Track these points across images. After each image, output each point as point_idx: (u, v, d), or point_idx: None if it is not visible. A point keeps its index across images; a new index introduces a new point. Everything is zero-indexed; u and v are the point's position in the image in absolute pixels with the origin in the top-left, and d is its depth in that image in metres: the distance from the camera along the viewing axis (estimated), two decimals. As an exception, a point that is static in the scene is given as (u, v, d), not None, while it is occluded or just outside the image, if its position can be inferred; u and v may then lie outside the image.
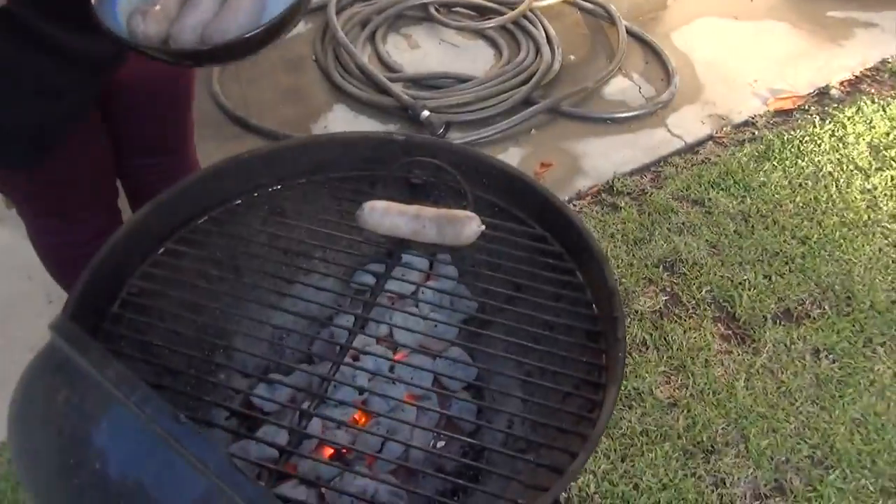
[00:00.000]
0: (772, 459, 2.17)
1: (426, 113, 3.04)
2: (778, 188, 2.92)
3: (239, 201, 1.50)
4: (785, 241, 2.74)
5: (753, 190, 2.91)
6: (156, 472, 0.90)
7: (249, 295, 1.53)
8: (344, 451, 1.34)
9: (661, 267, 2.67)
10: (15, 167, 1.53)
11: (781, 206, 2.85)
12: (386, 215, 1.37)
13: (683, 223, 2.80)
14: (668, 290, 2.61)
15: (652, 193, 2.91)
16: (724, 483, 2.13)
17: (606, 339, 1.25)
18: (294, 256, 1.46)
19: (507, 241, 1.44)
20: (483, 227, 1.35)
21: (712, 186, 2.93)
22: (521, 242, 1.44)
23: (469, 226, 1.35)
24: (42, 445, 0.97)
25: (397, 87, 3.19)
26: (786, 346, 2.44)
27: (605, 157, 3.06)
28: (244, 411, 1.26)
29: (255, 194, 1.51)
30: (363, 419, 1.41)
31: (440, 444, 1.46)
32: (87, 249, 1.83)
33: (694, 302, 2.57)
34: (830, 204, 2.85)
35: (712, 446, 2.20)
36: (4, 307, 2.53)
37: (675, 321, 2.51)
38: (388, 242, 1.46)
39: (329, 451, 1.36)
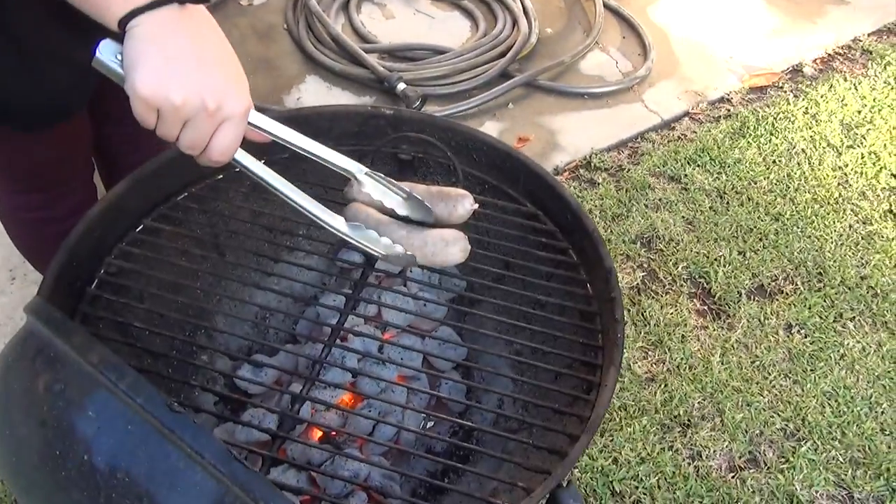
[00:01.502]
0: (746, 432, 2.21)
1: (402, 86, 2.97)
2: (752, 165, 2.93)
3: (220, 176, 1.44)
4: (759, 217, 2.76)
5: (729, 166, 2.92)
6: (148, 463, 0.86)
7: (232, 274, 1.48)
8: (334, 433, 1.31)
9: (639, 243, 2.67)
10: (32, 131, 1.45)
11: (756, 183, 2.88)
12: (374, 191, 1.33)
13: (660, 199, 2.81)
14: (646, 266, 2.62)
15: (629, 169, 2.91)
16: (701, 456, 2.16)
17: (602, 320, 1.23)
18: (278, 234, 1.41)
19: (498, 219, 1.41)
20: (476, 205, 1.32)
21: (689, 163, 2.93)
22: (512, 220, 1.41)
23: (462, 203, 1.31)
24: (24, 437, 0.92)
25: (372, 59, 3.11)
26: (759, 321, 2.48)
27: (583, 132, 3.04)
28: (231, 395, 1.22)
29: (237, 170, 1.45)
30: (353, 401, 1.38)
31: (430, 424, 1.44)
32: (63, 226, 1.75)
33: (670, 278, 2.58)
34: (803, 181, 2.89)
35: (689, 420, 2.22)
36: (-36, 285, 2.42)
37: (653, 297, 2.53)
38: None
39: (318, 433, 1.32)
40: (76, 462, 0.87)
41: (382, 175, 1.19)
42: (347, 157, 1.53)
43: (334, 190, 1.41)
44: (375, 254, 1.17)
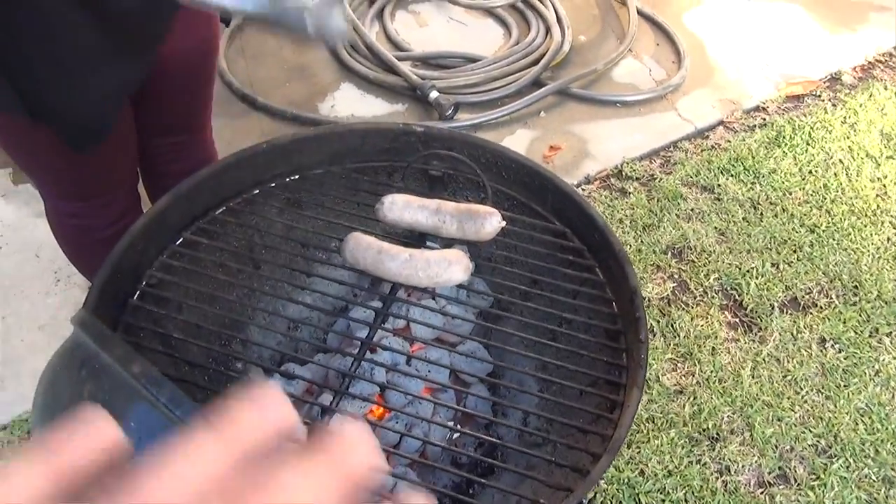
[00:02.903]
0: (776, 448, 2.20)
1: (435, 94, 3.01)
2: (788, 175, 2.90)
3: (256, 191, 1.49)
4: (794, 229, 2.74)
5: (763, 177, 2.89)
6: (186, 473, 0.91)
7: (265, 286, 1.53)
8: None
9: (670, 253, 2.67)
10: (80, 150, 1.52)
11: (791, 194, 2.85)
12: (406, 209, 1.36)
13: (692, 209, 2.80)
14: (676, 276, 2.61)
15: (661, 179, 2.90)
16: (729, 470, 2.15)
17: (627, 339, 1.25)
18: (310, 248, 1.46)
19: (525, 236, 1.44)
20: (504, 222, 1.35)
21: (722, 172, 2.92)
22: (539, 237, 1.43)
23: (490, 221, 1.34)
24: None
25: (405, 67, 3.15)
26: (792, 335, 2.46)
27: (615, 140, 3.04)
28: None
29: (273, 184, 1.50)
30: (381, 413, 1.42)
31: (455, 436, 1.48)
32: (107, 232, 1.84)
33: (702, 289, 2.57)
34: (840, 192, 2.85)
35: (718, 434, 2.22)
36: (12, 285, 2.52)
37: (683, 308, 2.52)
38: (407, 236, 1.45)
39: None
40: (119, 471, 0.92)
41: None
42: (377, 172, 1.58)
43: (367, 206, 1.46)
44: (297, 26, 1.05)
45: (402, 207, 1.37)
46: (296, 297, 1.45)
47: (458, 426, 1.47)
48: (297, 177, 1.52)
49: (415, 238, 1.45)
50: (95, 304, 1.21)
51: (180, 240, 1.40)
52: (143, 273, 1.33)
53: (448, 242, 1.49)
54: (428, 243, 1.43)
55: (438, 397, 1.46)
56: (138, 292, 1.31)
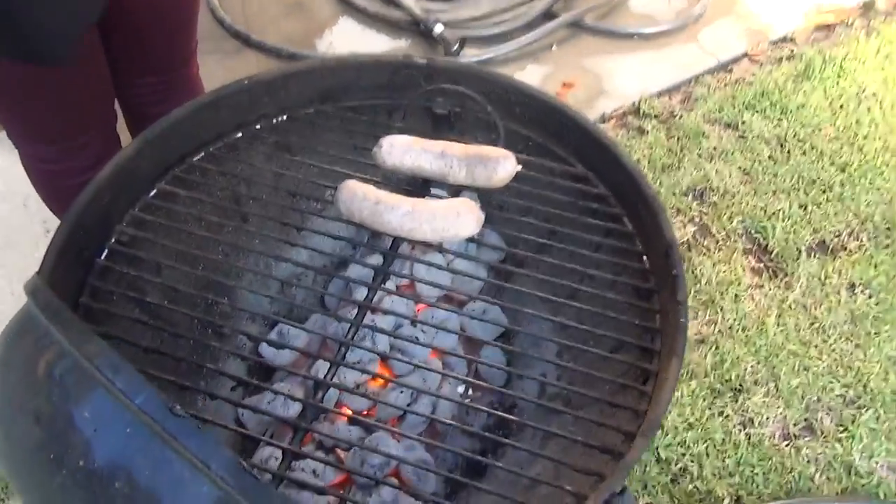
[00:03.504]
0: (802, 398, 2.05)
1: (440, 27, 2.76)
2: (817, 110, 2.67)
3: (239, 134, 1.29)
4: (823, 167, 2.52)
5: (791, 112, 2.66)
6: (150, 471, 0.75)
7: (253, 244, 1.36)
8: (364, 413, 1.19)
9: (690, 195, 2.47)
10: (46, 63, 1.34)
11: (820, 130, 2.62)
12: (408, 153, 1.17)
13: (715, 148, 2.58)
14: (697, 220, 2.42)
15: (681, 116, 2.67)
16: (753, 423, 2.01)
17: (661, 299, 1.07)
18: (302, 199, 1.27)
19: (542, 182, 1.24)
20: (519, 166, 1.15)
21: (747, 108, 2.68)
22: (558, 183, 1.24)
23: (503, 165, 1.15)
24: (19, 433, 0.82)
25: (408, -1, 2.89)
26: (820, 280, 2.27)
27: (632, 76, 2.80)
28: (251, 381, 1.10)
29: (258, 126, 1.30)
30: (384, 381, 1.26)
31: (467, 400, 1.32)
32: (85, 178, 1.67)
33: (724, 233, 2.38)
34: (873, 128, 2.61)
35: (741, 385, 2.06)
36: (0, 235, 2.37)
37: (704, 254, 2.33)
38: (409, 183, 1.26)
39: (347, 412, 1.21)
40: (72, 466, 0.77)
41: None
42: (375, 111, 1.38)
43: (365, 150, 1.26)
44: None
45: (402, 151, 1.17)
46: (287, 254, 1.28)
47: (468, 395, 1.32)
48: (284, 117, 1.32)
49: (418, 186, 1.26)
50: (53, 266, 1.03)
51: (154, 191, 1.21)
52: (112, 229, 1.15)
53: (455, 190, 1.30)
54: (433, 192, 1.24)
55: (447, 364, 1.30)
56: (106, 251, 1.14)
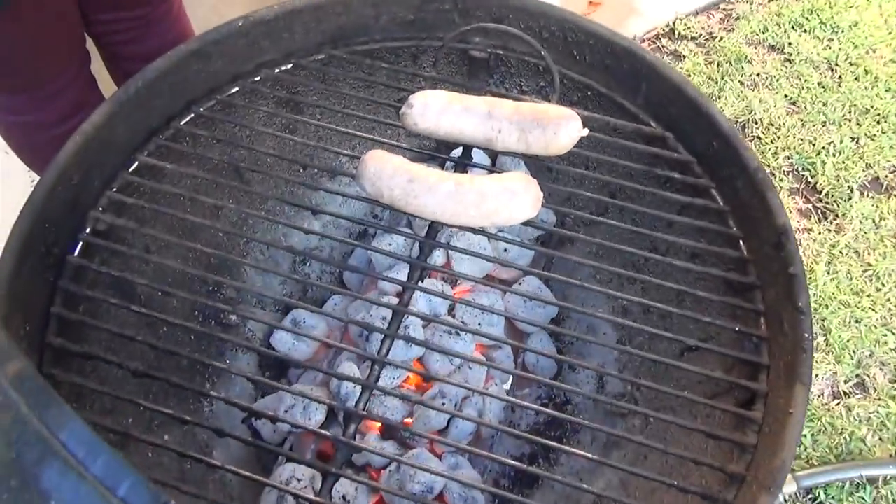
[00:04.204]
0: (854, 354, 1.86)
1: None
2: (872, 28, 2.36)
3: (235, 89, 1.03)
4: (877, 94, 2.25)
5: (843, 32, 2.35)
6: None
7: (255, 231, 1.12)
8: (403, 425, 0.99)
9: (732, 129, 2.20)
10: None
11: (875, 52, 2.32)
12: (445, 114, 0.91)
13: (758, 75, 2.29)
14: (740, 156, 2.16)
15: (721, 38, 2.37)
16: (800, 380, 1.83)
17: (766, 298, 0.84)
18: (313, 176, 1.02)
19: (605, 144, 0.99)
20: (585, 130, 0.90)
21: (794, 28, 2.37)
22: (625, 145, 0.98)
23: (566, 129, 0.89)
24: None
25: None
26: (874, 222, 2.04)
27: (666, -9, 2.47)
28: (269, 382, 0.88)
29: (257, 78, 1.04)
30: (420, 385, 1.06)
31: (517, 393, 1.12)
32: (61, 130, 1.44)
33: (769, 170, 2.13)
34: (935, 48, 2.31)
35: (787, 339, 1.88)
36: (-19, 188, 2.12)
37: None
38: (444, 147, 1.01)
39: (377, 424, 1.01)
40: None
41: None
42: (398, 56, 1.11)
43: (386, 105, 1.00)
44: None
45: (438, 112, 0.91)
46: (301, 222, 1.04)
47: (515, 390, 1.11)
48: (289, 66, 1.05)
49: (449, 149, 1.00)
50: (12, 272, 0.80)
51: (134, 165, 0.96)
52: (85, 217, 0.91)
53: (494, 153, 1.04)
54: (474, 159, 0.99)
55: (491, 357, 1.09)
56: (80, 244, 0.90)
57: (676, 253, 0.96)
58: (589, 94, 1.05)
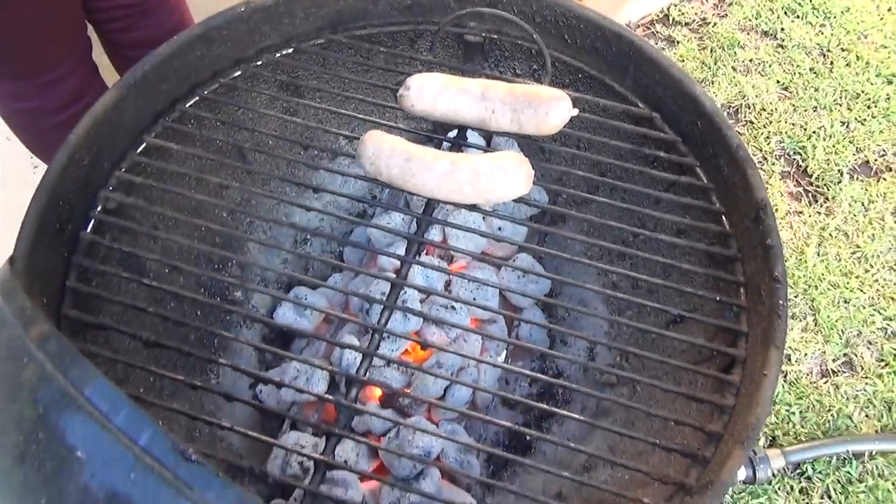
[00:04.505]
0: (842, 333, 1.92)
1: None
2: (863, 14, 2.40)
3: (238, 73, 1.07)
4: (868, 79, 2.29)
5: (835, 17, 2.40)
6: (163, 525, 0.61)
7: (261, 189, 1.17)
8: (402, 392, 1.04)
9: (725, 113, 2.23)
10: None
11: (866, 38, 2.36)
12: (441, 96, 0.96)
13: (751, 60, 2.33)
14: (732, 141, 2.21)
15: (715, 23, 2.41)
16: (790, 359, 1.89)
17: (746, 269, 0.90)
18: (314, 157, 1.06)
19: (595, 125, 1.04)
20: (575, 110, 0.95)
21: (786, 13, 2.41)
22: (614, 125, 1.03)
23: (556, 110, 0.94)
24: (6, 479, 0.67)
25: None
26: (863, 205, 2.10)
27: (660, -23, 2.50)
28: (275, 350, 0.93)
29: (259, 63, 1.08)
30: (419, 355, 1.11)
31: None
32: (63, 116, 1.48)
33: (761, 154, 2.18)
34: (925, 33, 2.36)
35: (777, 319, 1.93)
36: (-17, 175, 2.16)
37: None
38: (440, 127, 1.06)
39: (377, 392, 1.07)
40: (73, 519, 0.63)
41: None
42: (396, 40, 1.15)
43: (384, 88, 1.05)
44: None
45: (435, 94, 0.96)
46: (303, 200, 1.09)
47: (510, 361, 1.17)
48: (290, 50, 1.09)
49: (446, 132, 1.05)
50: (30, 248, 0.85)
51: (142, 146, 1.01)
52: (97, 195, 0.96)
53: (488, 134, 1.10)
54: (469, 140, 1.04)
55: (486, 328, 1.14)
56: (92, 222, 0.95)
57: (664, 229, 1.01)
58: (580, 76, 1.09)
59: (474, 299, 1.10)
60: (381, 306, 0.90)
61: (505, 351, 1.18)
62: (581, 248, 1.03)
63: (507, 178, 0.91)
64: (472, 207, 1.01)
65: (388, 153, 0.93)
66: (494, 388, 1.10)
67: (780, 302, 0.80)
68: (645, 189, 0.99)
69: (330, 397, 0.84)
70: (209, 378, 1.12)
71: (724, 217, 0.94)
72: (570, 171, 1.02)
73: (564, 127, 1.00)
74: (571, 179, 1.02)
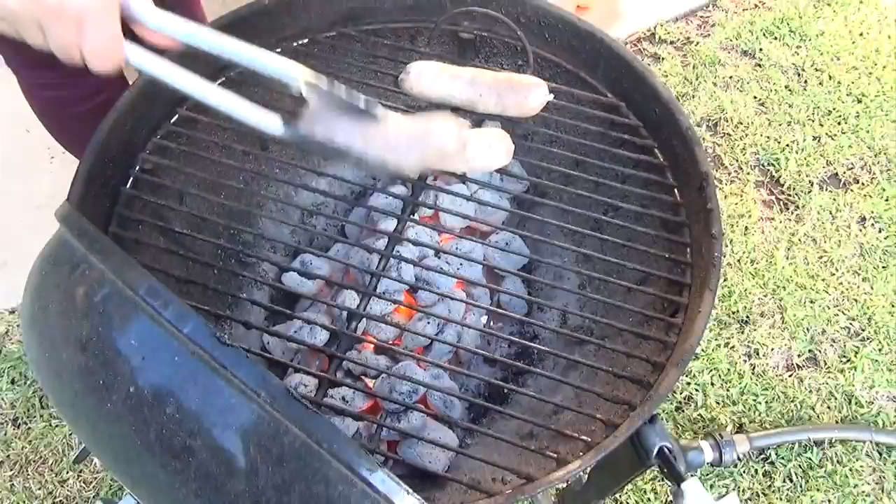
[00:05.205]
0: (807, 331, 2.09)
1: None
2: (836, 38, 2.61)
3: (258, 59, 1.26)
4: (839, 98, 2.49)
5: (810, 40, 2.61)
6: (200, 399, 0.77)
7: (275, 170, 1.34)
8: (393, 344, 1.21)
9: (704, 126, 2.45)
10: None
11: (839, 59, 2.57)
12: (437, 80, 1.15)
13: (731, 77, 2.54)
14: (710, 151, 2.40)
15: (698, 42, 2.62)
16: (758, 354, 2.06)
17: (693, 233, 1.08)
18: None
19: (571, 111, 1.23)
20: (551, 95, 1.14)
21: (765, 35, 2.62)
22: (587, 112, 1.22)
23: (535, 94, 1.13)
24: (65, 360, 0.83)
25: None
26: (831, 213, 2.29)
27: (648, -1, 2.72)
28: (282, 309, 1.11)
29: (278, 50, 1.27)
30: (409, 312, 1.28)
31: (491, 330, 1.34)
32: (85, 107, 1.63)
33: (737, 165, 2.38)
34: (893, 57, 2.57)
35: (748, 317, 2.11)
36: (3, 163, 2.33)
37: (716, 185, 2.32)
38: (434, 109, 1.24)
39: (372, 343, 1.23)
40: (122, 394, 0.79)
41: (334, 82, 0.89)
42: (398, 35, 1.34)
43: (388, 75, 1.23)
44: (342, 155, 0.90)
45: (431, 78, 1.15)
46: (309, 181, 1.27)
47: (491, 324, 1.34)
48: (305, 41, 1.28)
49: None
50: (81, 196, 1.03)
51: (175, 117, 1.19)
52: (136, 157, 1.14)
53: (478, 119, 1.28)
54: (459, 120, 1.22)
55: (470, 294, 1.32)
56: (132, 179, 1.13)
57: (630, 200, 1.18)
58: (558, 70, 1.28)
59: (460, 265, 1.28)
60: (380, 255, 1.07)
61: (485, 317, 1.36)
62: (554, 210, 1.20)
63: (490, 149, 1.09)
64: (462, 179, 1.19)
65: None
66: (475, 347, 1.27)
67: (716, 254, 0.98)
68: (614, 167, 1.18)
69: (333, 327, 1.01)
70: (224, 329, 1.28)
71: (675, 190, 1.12)
72: (551, 151, 1.21)
73: (546, 113, 1.19)
74: (552, 158, 1.20)
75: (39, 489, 1.76)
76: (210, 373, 0.77)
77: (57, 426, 1.84)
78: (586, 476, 1.15)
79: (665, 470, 0.90)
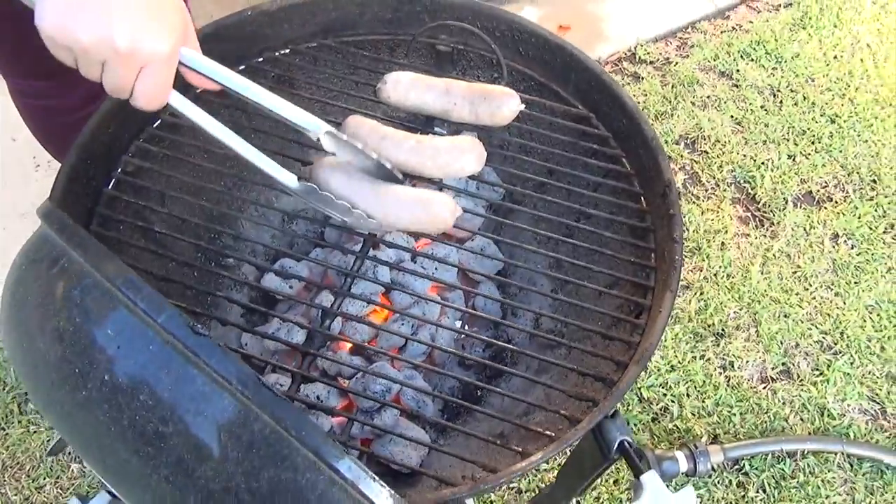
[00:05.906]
0: (781, 344, 2.14)
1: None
2: (811, 60, 2.70)
3: (241, 67, 1.30)
4: (814, 118, 2.57)
5: (785, 62, 2.69)
6: (172, 387, 0.80)
7: (255, 175, 1.38)
8: (366, 344, 1.25)
9: (682, 143, 2.51)
10: None
11: (813, 81, 2.65)
12: (412, 89, 1.19)
13: (708, 97, 2.61)
14: (688, 168, 2.47)
15: (677, 63, 2.69)
16: (733, 366, 2.11)
17: (657, 237, 1.12)
18: (303, 149, 1.29)
19: (543, 122, 1.28)
20: (522, 105, 1.19)
21: (742, 56, 2.71)
22: (559, 123, 1.27)
23: (507, 104, 1.18)
24: (41, 350, 0.86)
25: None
26: (805, 230, 2.35)
27: (629, 20, 2.80)
28: (258, 307, 1.14)
29: (260, 59, 1.32)
30: (384, 315, 1.31)
31: (462, 336, 1.38)
32: (77, 116, 1.65)
33: (714, 182, 2.44)
34: (865, 79, 2.66)
35: (723, 330, 2.15)
36: (-13, 171, 2.36)
37: (693, 201, 2.39)
38: (411, 120, 1.29)
39: (348, 344, 1.27)
40: (97, 381, 0.82)
41: (347, 137, 1.02)
42: (378, 47, 1.39)
43: (367, 86, 1.28)
44: (334, 217, 1.03)
45: (407, 87, 1.20)
46: (283, 195, 1.30)
47: (466, 328, 1.37)
48: (287, 51, 1.33)
49: (420, 122, 1.28)
50: (63, 194, 1.06)
51: (158, 122, 1.23)
52: (118, 159, 1.18)
53: (455, 128, 1.33)
54: (436, 129, 1.27)
55: (445, 297, 1.36)
56: (113, 180, 1.16)
57: (601, 208, 1.23)
58: (532, 83, 1.34)
59: (436, 268, 1.31)
60: (355, 256, 1.11)
61: (460, 320, 1.39)
62: (530, 217, 1.24)
63: (462, 156, 1.13)
64: (439, 186, 1.23)
65: (366, 132, 1.15)
66: (449, 347, 1.30)
67: (677, 257, 1.02)
68: (585, 175, 1.23)
69: (308, 325, 1.04)
70: (208, 311, 1.31)
71: (642, 197, 1.17)
72: (525, 160, 1.26)
73: (520, 123, 1.24)
74: (526, 166, 1.25)
75: (16, 495, 1.77)
76: (183, 361, 0.80)
77: (35, 432, 1.85)
78: (555, 478, 1.19)
79: (626, 462, 0.93)
